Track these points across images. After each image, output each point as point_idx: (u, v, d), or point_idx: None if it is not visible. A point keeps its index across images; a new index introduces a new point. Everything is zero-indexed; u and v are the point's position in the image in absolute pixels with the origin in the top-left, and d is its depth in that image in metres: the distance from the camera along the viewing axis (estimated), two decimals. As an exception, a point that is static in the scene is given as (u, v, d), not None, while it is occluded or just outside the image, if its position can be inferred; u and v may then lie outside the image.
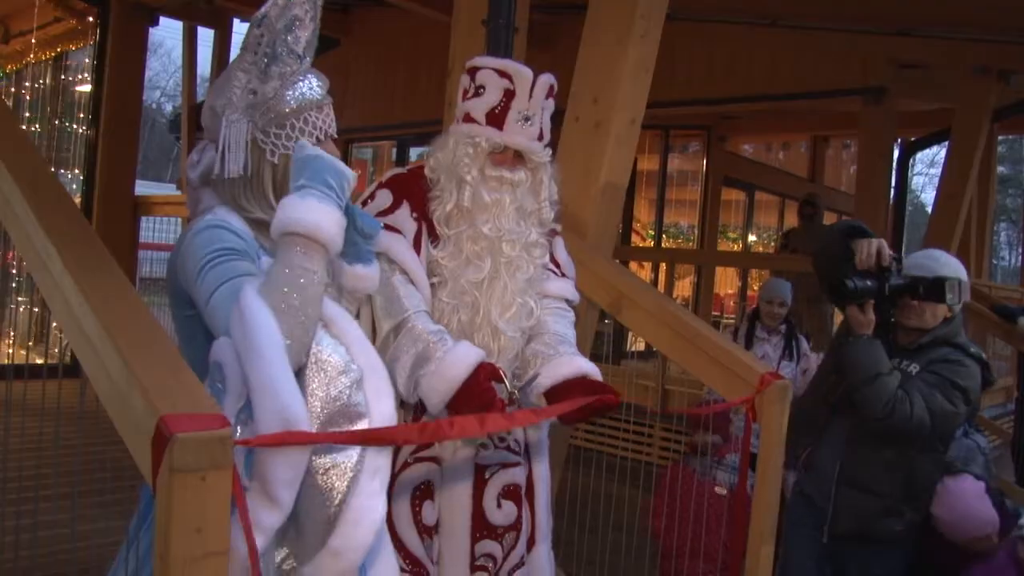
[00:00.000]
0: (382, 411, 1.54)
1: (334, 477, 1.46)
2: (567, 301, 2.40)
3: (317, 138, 1.66)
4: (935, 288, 2.64)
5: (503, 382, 2.01)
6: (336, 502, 1.45)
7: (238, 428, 1.39)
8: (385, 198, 2.24)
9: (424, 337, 2.03)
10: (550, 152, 2.30)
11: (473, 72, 2.27)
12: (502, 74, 2.22)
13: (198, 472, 1.18)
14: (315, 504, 1.44)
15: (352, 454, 1.48)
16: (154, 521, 1.25)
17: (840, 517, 2.69)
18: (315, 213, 1.44)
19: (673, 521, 3.31)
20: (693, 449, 3.49)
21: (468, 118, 2.24)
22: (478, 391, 1.95)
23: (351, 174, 1.54)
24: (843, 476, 2.69)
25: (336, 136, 1.73)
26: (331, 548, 1.44)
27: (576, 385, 2.10)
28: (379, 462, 1.53)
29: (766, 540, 2.49)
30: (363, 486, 1.48)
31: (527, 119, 2.20)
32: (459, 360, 1.98)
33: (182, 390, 1.28)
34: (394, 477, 2.16)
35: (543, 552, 2.35)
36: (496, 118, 2.20)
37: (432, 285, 2.19)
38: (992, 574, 2.55)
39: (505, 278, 2.18)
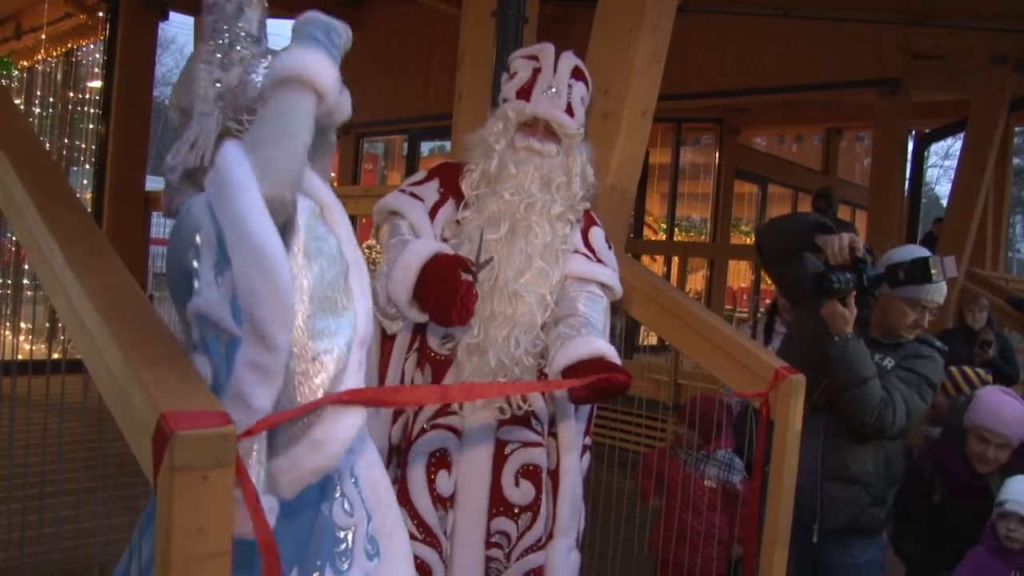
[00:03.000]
0: (365, 307, 1.54)
1: (321, 365, 1.45)
2: (602, 287, 2.40)
3: None
4: (917, 268, 2.54)
5: (469, 271, 2.06)
6: (322, 392, 1.44)
7: (217, 281, 1.37)
8: (422, 174, 2.43)
9: (395, 251, 2.13)
10: (583, 131, 2.39)
11: (509, 65, 2.43)
12: (531, 57, 2.39)
13: (200, 470, 1.16)
14: (300, 392, 1.43)
15: (341, 343, 1.47)
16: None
17: (830, 513, 2.65)
18: (299, 58, 1.42)
19: (665, 510, 3.29)
20: (678, 440, 3.45)
21: (504, 100, 2.39)
22: (438, 270, 2.02)
23: (340, 24, 1.52)
24: (827, 472, 2.66)
25: None
26: (312, 439, 1.42)
27: (592, 366, 2.08)
28: (362, 355, 1.55)
29: (781, 540, 2.46)
30: (350, 378, 1.48)
31: (552, 89, 2.33)
32: (417, 249, 2.07)
33: (184, 387, 1.26)
34: (410, 443, 2.19)
35: (561, 547, 2.32)
36: (524, 92, 2.34)
37: (452, 246, 2.25)
38: (977, 571, 2.51)
39: (522, 242, 2.24)
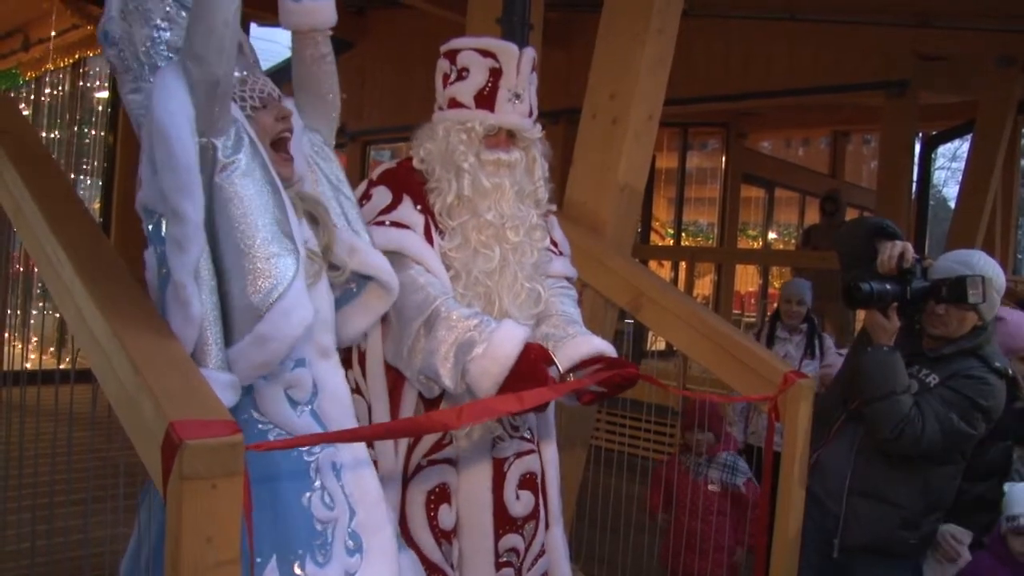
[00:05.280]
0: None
1: (276, 267, 1.54)
2: (567, 279, 2.39)
3: (252, 107, 1.74)
4: (956, 288, 2.41)
5: (553, 363, 1.97)
6: (275, 295, 1.52)
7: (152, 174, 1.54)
8: (384, 195, 2.19)
9: (462, 323, 1.97)
10: (540, 128, 2.28)
11: (452, 55, 2.22)
12: (485, 53, 2.18)
13: (209, 479, 1.17)
14: (253, 288, 1.52)
15: (297, 255, 1.58)
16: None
17: (852, 529, 2.51)
18: None
19: (672, 518, 3.28)
20: (685, 447, 3.45)
21: (455, 103, 2.19)
22: (531, 369, 1.90)
23: None
24: (855, 486, 2.52)
25: (277, 95, 1.80)
26: (257, 334, 1.51)
27: (593, 364, 2.07)
28: (316, 267, 1.72)
29: (792, 542, 2.45)
30: (300, 284, 1.57)
31: (517, 96, 2.17)
32: (508, 338, 1.92)
33: (192, 396, 1.27)
34: (407, 480, 2.14)
35: (558, 534, 2.35)
36: (486, 99, 2.16)
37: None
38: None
39: (514, 266, 2.16)
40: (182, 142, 1.46)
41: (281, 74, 6.97)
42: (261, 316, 1.51)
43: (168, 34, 1.70)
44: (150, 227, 1.59)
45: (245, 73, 1.77)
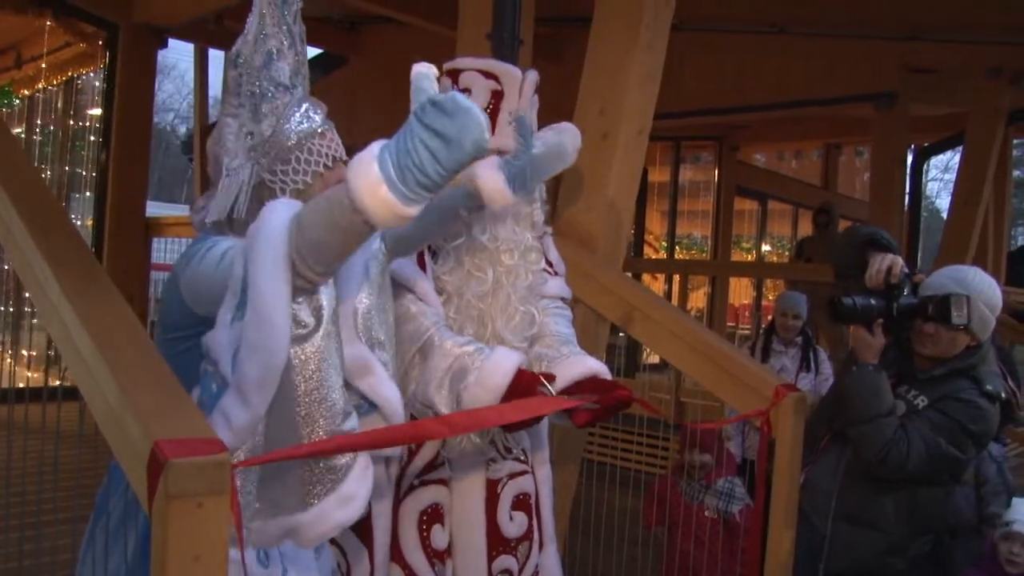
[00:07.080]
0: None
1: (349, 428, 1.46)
2: (562, 299, 2.38)
3: (324, 165, 1.65)
4: (941, 306, 2.31)
5: (546, 386, 1.96)
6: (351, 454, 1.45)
7: (232, 325, 1.37)
8: None
9: (455, 351, 1.98)
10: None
11: (455, 75, 2.19)
12: (487, 75, 2.15)
13: (195, 498, 1.16)
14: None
15: (355, 422, 1.50)
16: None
17: (838, 555, 2.44)
18: (359, 176, 1.31)
19: (666, 538, 3.27)
20: (679, 469, 3.41)
21: None
22: (524, 394, 1.91)
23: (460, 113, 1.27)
24: (840, 509, 2.45)
25: (346, 159, 1.68)
26: (342, 494, 1.45)
27: (588, 385, 2.07)
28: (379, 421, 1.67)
29: (784, 561, 2.44)
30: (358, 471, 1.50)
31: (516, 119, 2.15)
32: (499, 365, 1.94)
33: (178, 414, 1.26)
34: (399, 501, 2.12)
35: (551, 553, 2.34)
36: None
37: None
38: None
39: (507, 288, 2.15)
40: (283, 339, 1.32)
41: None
42: (344, 475, 1.45)
43: (279, 63, 1.62)
44: (207, 372, 1.43)
45: (323, 128, 1.67)
